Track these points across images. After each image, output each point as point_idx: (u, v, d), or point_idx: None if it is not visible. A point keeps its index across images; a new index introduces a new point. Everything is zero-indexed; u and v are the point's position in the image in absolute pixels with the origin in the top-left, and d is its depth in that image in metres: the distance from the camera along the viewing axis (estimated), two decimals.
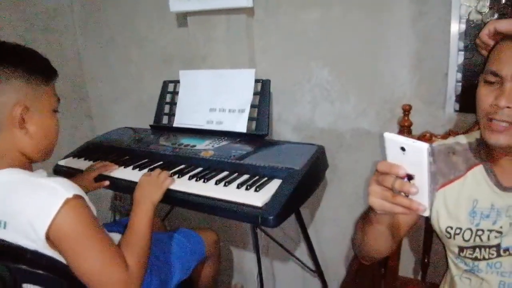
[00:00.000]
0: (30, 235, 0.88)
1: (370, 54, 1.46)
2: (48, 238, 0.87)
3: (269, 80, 1.54)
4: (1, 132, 0.94)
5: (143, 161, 1.47)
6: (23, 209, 0.88)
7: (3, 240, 0.91)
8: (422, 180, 0.64)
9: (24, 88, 0.94)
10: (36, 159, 1.02)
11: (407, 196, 0.67)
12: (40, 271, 0.93)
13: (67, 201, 0.87)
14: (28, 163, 1.01)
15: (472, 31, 1.24)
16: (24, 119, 0.95)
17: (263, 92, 1.54)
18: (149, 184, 1.19)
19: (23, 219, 0.87)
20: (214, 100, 1.63)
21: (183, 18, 1.79)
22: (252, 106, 1.54)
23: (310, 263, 1.70)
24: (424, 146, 0.61)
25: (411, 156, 0.63)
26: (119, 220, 1.71)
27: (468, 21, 1.24)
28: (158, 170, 1.25)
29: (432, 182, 0.64)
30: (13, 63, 0.94)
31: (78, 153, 1.65)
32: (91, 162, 1.50)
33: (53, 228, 0.86)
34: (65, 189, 0.89)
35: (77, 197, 0.90)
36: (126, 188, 1.41)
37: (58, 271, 0.94)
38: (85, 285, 0.93)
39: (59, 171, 1.56)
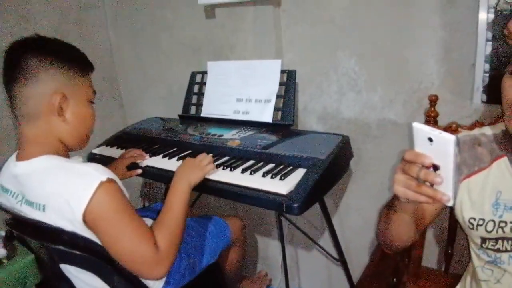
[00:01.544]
0: (68, 217, 0.92)
1: (397, 44, 1.45)
2: (84, 220, 0.92)
3: (295, 70, 1.55)
4: (40, 119, 0.99)
5: (172, 149, 1.52)
6: (60, 192, 0.92)
7: (42, 222, 0.96)
8: (447, 170, 0.65)
9: (62, 78, 0.99)
10: (73, 146, 1.07)
11: (431, 185, 0.68)
12: (77, 252, 0.97)
13: (101, 184, 0.91)
14: (65, 151, 1.05)
15: (501, 21, 1.21)
16: (62, 107, 1.00)
17: (289, 82, 1.55)
18: (190, 165, 1.21)
19: (61, 202, 0.92)
20: (240, 91, 1.66)
21: (211, 9, 1.82)
22: (278, 96, 1.56)
23: (333, 252, 1.72)
24: (451, 137, 0.62)
25: (438, 146, 0.64)
26: (149, 206, 1.76)
27: (496, 10, 1.22)
28: (203, 154, 1.27)
29: (457, 173, 0.65)
30: (52, 54, 0.98)
31: (111, 142, 1.72)
32: (123, 151, 1.55)
33: (89, 210, 0.90)
34: (99, 172, 0.94)
35: (110, 180, 0.94)
36: (155, 176, 1.47)
37: (94, 252, 0.98)
38: (120, 265, 0.98)
39: (93, 159, 1.63)
